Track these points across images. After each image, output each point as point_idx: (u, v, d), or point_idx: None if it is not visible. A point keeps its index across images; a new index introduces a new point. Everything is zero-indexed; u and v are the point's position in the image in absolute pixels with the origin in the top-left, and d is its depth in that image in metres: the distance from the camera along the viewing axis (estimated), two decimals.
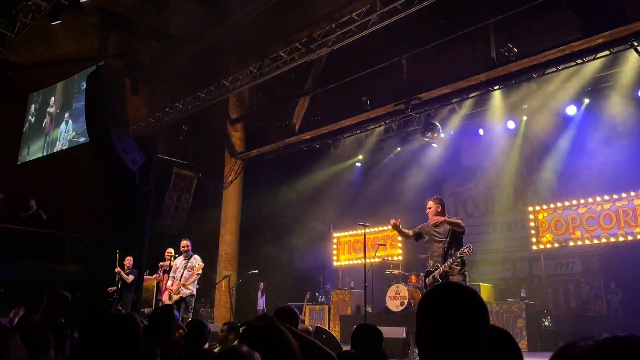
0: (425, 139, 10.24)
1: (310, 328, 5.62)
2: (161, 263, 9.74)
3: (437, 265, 6.23)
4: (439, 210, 6.49)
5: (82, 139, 11.62)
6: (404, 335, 7.23)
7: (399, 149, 11.98)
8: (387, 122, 11.14)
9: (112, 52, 10.83)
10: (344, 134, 11.78)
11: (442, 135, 10.28)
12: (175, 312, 3.59)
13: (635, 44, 7.66)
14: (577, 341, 0.86)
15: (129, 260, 10.48)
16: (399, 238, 11.82)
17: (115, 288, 10.35)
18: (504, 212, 11.13)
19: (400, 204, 12.11)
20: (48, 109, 12.90)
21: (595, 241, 9.18)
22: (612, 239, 8.93)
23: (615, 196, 8.98)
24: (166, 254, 9.15)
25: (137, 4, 9.82)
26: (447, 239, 6.26)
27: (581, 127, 9.77)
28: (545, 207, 9.83)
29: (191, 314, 8.27)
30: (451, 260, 6.07)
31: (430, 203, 6.55)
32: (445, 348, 1.45)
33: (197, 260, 8.68)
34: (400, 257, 11.43)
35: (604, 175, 9.40)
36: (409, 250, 11.53)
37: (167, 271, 9.11)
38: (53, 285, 5.99)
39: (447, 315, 1.46)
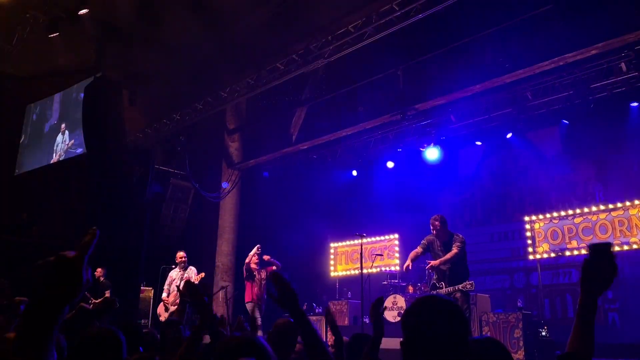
0: (422, 149, 10.30)
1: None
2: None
3: (442, 284, 6.70)
4: (445, 228, 6.90)
5: (79, 150, 11.63)
6: None
7: (395, 159, 12.00)
8: (383, 132, 11.19)
9: (109, 64, 10.87)
10: (340, 144, 11.82)
11: (438, 145, 10.34)
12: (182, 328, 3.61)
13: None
14: None
15: (99, 272, 10.42)
16: (396, 249, 11.85)
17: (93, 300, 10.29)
18: (500, 222, 11.15)
19: (397, 214, 12.14)
20: (45, 121, 12.91)
21: None
22: None
23: (610, 206, 9.02)
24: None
25: (135, 16, 9.87)
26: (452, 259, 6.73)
27: (575, 136, 9.84)
28: (541, 216, 9.86)
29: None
30: (460, 286, 6.55)
31: (437, 223, 6.91)
32: (426, 357, 1.51)
33: (193, 271, 8.67)
34: (398, 268, 11.41)
35: (600, 184, 9.47)
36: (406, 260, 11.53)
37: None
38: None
39: (427, 326, 1.55)
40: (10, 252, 11.33)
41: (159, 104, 11.86)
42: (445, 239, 6.84)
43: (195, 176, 12.63)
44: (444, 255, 6.71)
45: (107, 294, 10.35)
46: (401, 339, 1.66)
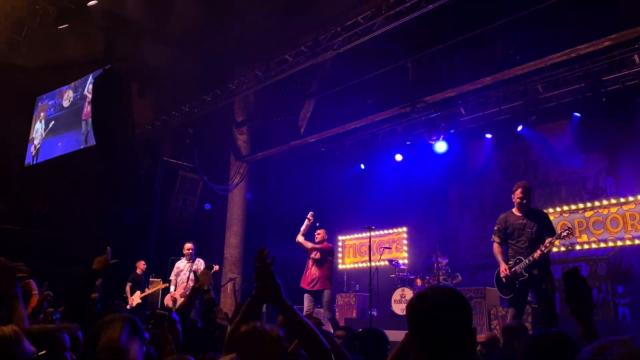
0: (431, 142, 10.23)
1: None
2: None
3: (520, 258, 5.80)
4: (529, 198, 5.97)
5: (88, 142, 11.65)
6: None
7: (404, 151, 11.94)
8: (392, 124, 11.13)
9: (118, 56, 10.88)
10: (349, 137, 11.78)
11: (448, 138, 10.26)
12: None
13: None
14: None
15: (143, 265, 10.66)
16: (405, 242, 11.82)
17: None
18: None
19: (406, 207, 12.11)
20: (54, 112, 12.96)
21: (602, 245, 9.12)
22: (619, 243, 8.87)
23: (622, 200, 8.92)
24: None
25: (144, 8, 9.87)
26: (535, 229, 5.81)
27: (586, 130, 9.74)
28: (551, 210, 9.79)
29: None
30: (547, 246, 5.63)
31: (527, 192, 5.90)
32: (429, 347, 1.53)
33: (201, 263, 8.70)
34: (406, 261, 11.40)
35: (612, 178, 9.37)
36: (415, 253, 11.51)
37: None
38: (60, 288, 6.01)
39: (430, 316, 1.56)
40: (25, 243, 11.43)
41: (168, 96, 11.88)
42: (530, 213, 5.83)
43: (204, 168, 12.65)
44: (533, 233, 5.73)
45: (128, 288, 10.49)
46: (406, 332, 1.65)
